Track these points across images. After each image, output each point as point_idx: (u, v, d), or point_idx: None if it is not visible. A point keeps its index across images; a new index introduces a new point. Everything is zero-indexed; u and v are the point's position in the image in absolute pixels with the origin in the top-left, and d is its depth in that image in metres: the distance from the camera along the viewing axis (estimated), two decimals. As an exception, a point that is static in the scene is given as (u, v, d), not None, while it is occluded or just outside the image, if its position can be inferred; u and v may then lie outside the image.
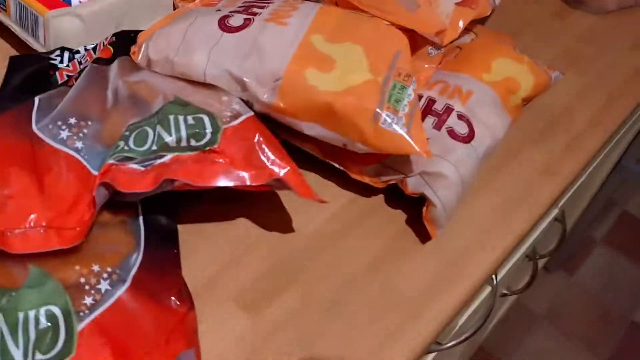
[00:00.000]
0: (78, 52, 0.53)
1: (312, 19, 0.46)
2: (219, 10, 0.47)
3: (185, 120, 0.40)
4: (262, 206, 0.48)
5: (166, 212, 0.45)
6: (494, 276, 0.63)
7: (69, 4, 0.53)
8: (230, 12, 0.47)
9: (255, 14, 0.46)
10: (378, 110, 0.43)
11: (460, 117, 0.47)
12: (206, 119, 0.41)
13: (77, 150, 0.40)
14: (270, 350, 0.41)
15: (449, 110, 0.47)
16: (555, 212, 0.81)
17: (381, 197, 0.50)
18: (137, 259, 0.41)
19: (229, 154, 0.40)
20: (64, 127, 0.41)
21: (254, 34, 0.44)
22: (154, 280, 0.41)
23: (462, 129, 0.47)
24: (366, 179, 0.48)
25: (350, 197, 0.50)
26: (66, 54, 0.52)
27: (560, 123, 0.58)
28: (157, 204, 0.44)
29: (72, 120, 0.42)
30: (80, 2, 0.54)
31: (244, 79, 0.43)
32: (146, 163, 0.39)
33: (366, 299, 0.44)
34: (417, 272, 0.46)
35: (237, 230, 0.47)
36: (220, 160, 0.40)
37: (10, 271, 0.36)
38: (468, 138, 0.47)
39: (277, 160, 0.42)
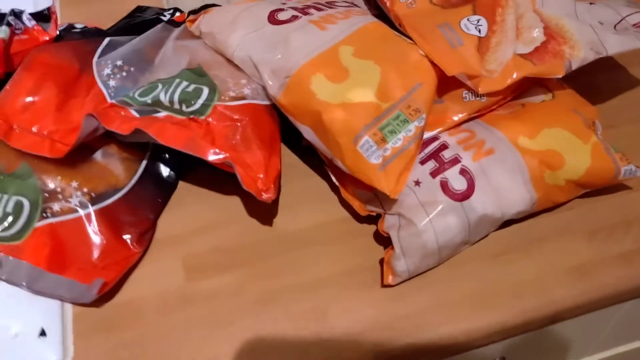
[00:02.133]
0: (193, 12, 0.60)
1: (354, 30, 0.46)
2: (284, 3, 0.50)
3: (187, 87, 0.44)
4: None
5: (173, 166, 0.50)
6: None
7: (194, -28, 0.61)
8: (288, 7, 0.49)
9: (307, 13, 0.48)
10: (361, 132, 0.41)
11: (463, 172, 0.43)
12: (205, 92, 0.44)
13: (107, 86, 0.47)
14: (181, 318, 0.43)
15: (454, 161, 0.43)
16: None
17: (373, 227, 0.48)
18: (118, 193, 0.46)
19: (210, 127, 0.43)
20: (110, 65, 0.48)
21: (291, 30, 0.46)
22: (124, 216, 0.46)
23: (458, 184, 0.42)
24: (355, 203, 0.47)
25: (345, 216, 0.49)
26: (177, 14, 0.60)
27: (627, 228, 0.48)
28: (168, 156, 0.49)
29: (119, 62, 0.49)
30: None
31: (259, 68, 0.45)
32: (143, 112, 0.44)
33: (291, 314, 0.43)
34: (355, 310, 0.43)
35: (225, 203, 0.50)
36: (197, 129, 0.43)
37: (10, 159, 0.44)
38: (461, 196, 0.42)
39: (248, 149, 0.43)
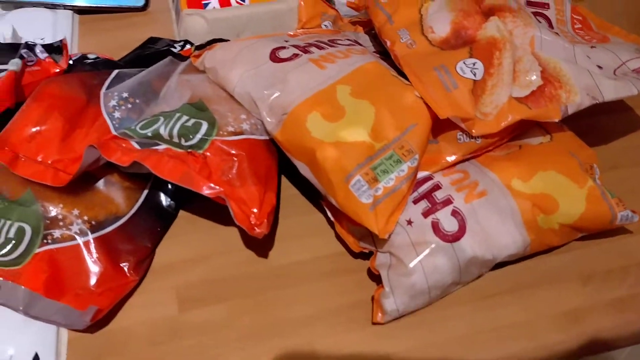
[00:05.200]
0: (199, 47, 0.62)
1: (352, 70, 0.47)
2: (286, 41, 0.51)
3: (186, 121, 0.46)
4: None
5: (174, 196, 0.51)
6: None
7: (205, 7, 0.63)
8: (290, 45, 0.50)
9: (308, 52, 0.49)
10: (353, 171, 0.42)
11: (455, 213, 0.43)
12: (204, 126, 0.46)
13: (112, 118, 0.49)
14: (171, 348, 0.43)
15: (447, 202, 0.43)
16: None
17: (367, 263, 0.48)
18: (118, 221, 0.47)
19: (207, 161, 0.44)
20: (116, 97, 0.50)
21: (290, 68, 0.47)
22: (122, 244, 0.47)
23: (449, 225, 0.42)
24: (349, 239, 0.47)
25: (340, 250, 0.49)
26: (187, 46, 0.62)
27: (623, 273, 0.47)
28: (169, 186, 0.50)
29: (125, 94, 0.50)
30: (214, 7, 0.63)
31: (258, 104, 0.46)
32: (143, 145, 0.45)
33: (280, 350, 0.43)
34: (344, 348, 0.43)
35: (223, 233, 0.50)
36: (194, 163, 0.44)
37: (15, 186, 0.45)
38: (452, 238, 0.42)
39: (248, 183, 0.44)
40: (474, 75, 0.45)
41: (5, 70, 0.48)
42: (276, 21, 0.63)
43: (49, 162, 0.46)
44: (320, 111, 0.44)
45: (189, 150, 0.45)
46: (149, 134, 0.45)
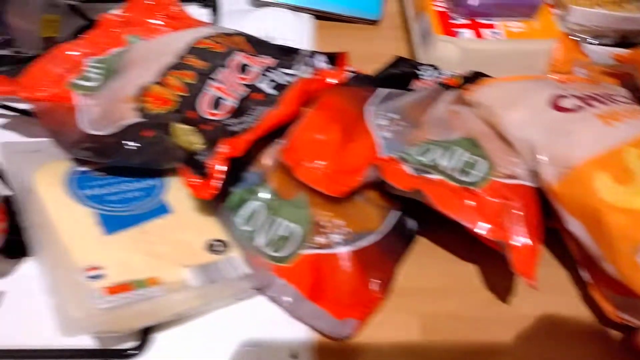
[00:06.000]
0: (442, 73, 0.62)
1: (641, 133, 0.45)
2: (562, 88, 0.50)
3: (465, 155, 0.46)
4: (499, 266, 0.49)
5: (418, 221, 0.52)
6: None
7: (457, 35, 0.63)
8: (570, 94, 0.49)
9: (591, 105, 0.48)
10: (645, 244, 0.40)
11: None
12: (482, 164, 0.46)
13: (381, 137, 0.50)
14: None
15: None
16: None
17: (615, 332, 0.47)
18: (372, 238, 0.49)
19: (483, 201, 0.44)
20: (386, 117, 0.51)
21: (575, 120, 0.46)
22: (374, 261, 0.48)
23: None
24: (606, 306, 0.45)
25: (586, 314, 0.48)
26: (432, 71, 0.62)
27: None
28: (415, 210, 0.51)
29: (394, 116, 0.52)
30: (468, 37, 0.63)
31: (537, 151, 0.46)
32: (418, 171, 0.46)
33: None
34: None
35: (461, 269, 0.51)
36: (470, 200, 0.44)
37: (290, 188, 0.48)
38: None
39: (520, 231, 0.44)
40: None
41: (292, 74, 0.51)
42: (529, 60, 0.62)
43: (328, 171, 0.48)
44: (609, 172, 0.43)
45: (465, 186, 0.45)
46: (427, 162, 0.46)
